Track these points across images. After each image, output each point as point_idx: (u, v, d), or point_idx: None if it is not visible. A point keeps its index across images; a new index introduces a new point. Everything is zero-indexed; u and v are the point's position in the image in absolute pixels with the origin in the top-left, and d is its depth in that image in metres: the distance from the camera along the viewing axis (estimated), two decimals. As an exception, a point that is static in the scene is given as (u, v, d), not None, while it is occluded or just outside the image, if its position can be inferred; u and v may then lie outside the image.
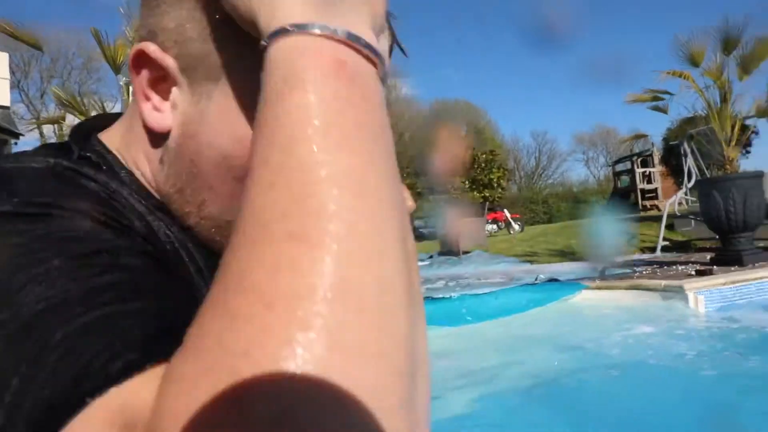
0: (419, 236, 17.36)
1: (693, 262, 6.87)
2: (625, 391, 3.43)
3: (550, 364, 4.11)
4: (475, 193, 16.25)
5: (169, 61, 0.40)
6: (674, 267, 6.62)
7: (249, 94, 0.37)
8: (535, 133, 43.24)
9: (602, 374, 3.72)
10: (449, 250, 11.02)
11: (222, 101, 0.40)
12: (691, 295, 5.04)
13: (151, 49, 0.40)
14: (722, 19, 5.91)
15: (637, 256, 9.02)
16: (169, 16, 0.40)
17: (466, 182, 16.68)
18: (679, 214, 9.42)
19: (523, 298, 5.67)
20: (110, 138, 0.46)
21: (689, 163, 9.02)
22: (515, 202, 25.63)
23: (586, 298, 5.63)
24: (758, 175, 6.03)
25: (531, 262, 9.24)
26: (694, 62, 6.23)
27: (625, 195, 21.78)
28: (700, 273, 5.65)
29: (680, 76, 6.26)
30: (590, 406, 3.20)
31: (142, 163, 0.45)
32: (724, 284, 5.22)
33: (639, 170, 21.34)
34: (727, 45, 5.98)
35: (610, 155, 39.29)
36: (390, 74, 0.36)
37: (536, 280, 6.23)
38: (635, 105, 7.10)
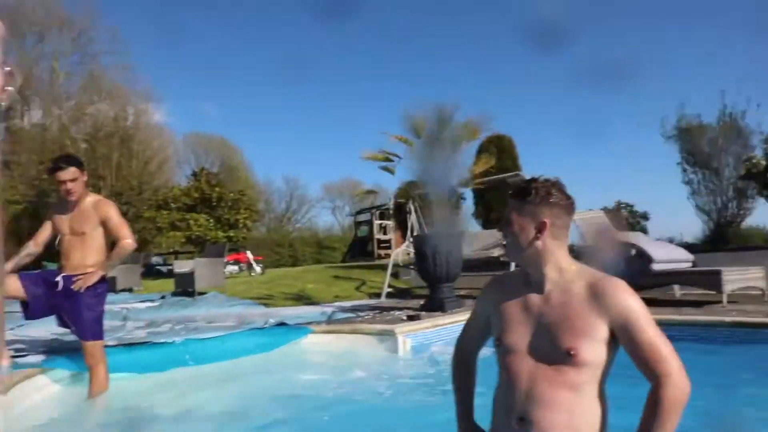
0: (157, 273, 16.07)
1: (408, 308, 7.70)
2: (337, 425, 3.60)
3: (266, 404, 4.11)
4: (219, 232, 15.80)
5: None
6: (393, 312, 7.33)
7: None
8: (288, 177, 44.43)
9: (313, 416, 3.85)
10: (184, 290, 10.43)
11: None
12: (400, 338, 5.60)
13: None
14: (437, 102, 7.01)
15: (365, 301, 9.76)
16: None
17: (211, 221, 16.15)
18: (402, 264, 10.50)
19: (250, 342, 5.61)
20: None
21: (412, 219, 10.24)
22: (262, 244, 25.69)
23: (312, 342, 5.82)
24: (459, 234, 7.13)
25: (267, 305, 9.26)
26: (417, 133, 7.20)
27: (363, 244, 23.45)
28: (410, 318, 6.34)
29: (405, 141, 7.14)
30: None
31: None
32: (428, 328, 5.95)
33: (377, 222, 23.32)
34: (441, 124, 7.08)
35: (354, 206, 42.49)
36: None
37: (265, 324, 6.24)
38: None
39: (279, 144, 59.19)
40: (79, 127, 23.99)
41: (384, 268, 11.24)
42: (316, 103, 57.52)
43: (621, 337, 1.43)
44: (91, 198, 4.09)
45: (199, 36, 50.82)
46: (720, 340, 4.97)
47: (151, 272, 16.58)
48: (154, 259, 17.06)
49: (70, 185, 3.88)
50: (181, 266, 10.64)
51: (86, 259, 3.98)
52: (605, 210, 12.11)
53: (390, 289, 10.35)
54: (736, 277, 6.35)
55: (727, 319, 5.08)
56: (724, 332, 4.99)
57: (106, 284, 4.15)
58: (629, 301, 1.43)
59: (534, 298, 1.56)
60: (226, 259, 13.47)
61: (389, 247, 22.69)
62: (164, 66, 49.34)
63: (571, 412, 1.41)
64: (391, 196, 20.72)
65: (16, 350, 4.78)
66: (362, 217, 25.51)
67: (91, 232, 3.99)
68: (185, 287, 10.38)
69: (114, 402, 4.02)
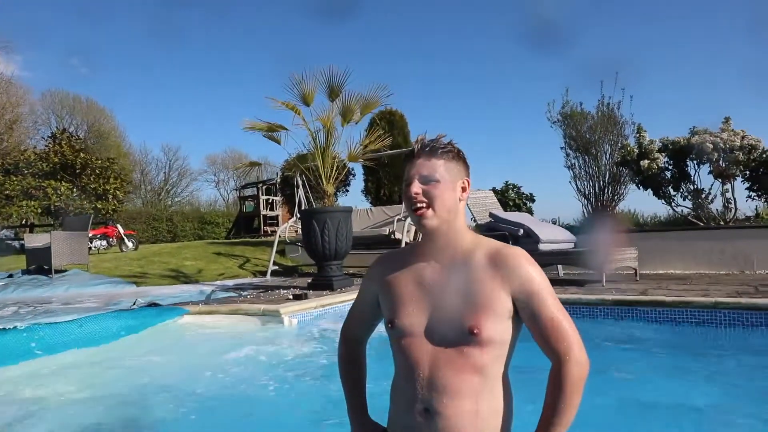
0: (6, 249, 14.20)
1: (295, 287, 7.34)
2: (212, 412, 3.23)
3: (133, 393, 3.62)
4: (84, 203, 14.22)
5: None
6: (278, 291, 6.93)
7: None
8: (167, 147, 41.49)
9: (190, 399, 3.44)
10: (39, 268, 9.22)
11: None
12: (286, 319, 5.25)
13: None
14: (327, 68, 6.60)
15: (248, 279, 9.24)
16: None
17: (74, 190, 14.51)
18: (289, 241, 10.07)
19: (114, 325, 4.98)
20: None
21: (300, 194, 9.81)
22: (137, 217, 23.80)
23: (187, 323, 5.31)
24: (348, 210, 6.85)
25: (138, 283, 8.44)
26: (306, 101, 6.76)
27: (249, 220, 22.59)
28: (296, 297, 6.00)
29: (292, 109, 6.68)
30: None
31: None
32: (315, 307, 5.65)
33: (263, 197, 22.49)
34: (331, 92, 6.69)
35: (240, 179, 40.80)
36: None
37: (134, 304, 5.59)
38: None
39: (158, 110, 54.90)
40: None
41: (270, 245, 10.74)
42: (198, 67, 54.11)
43: (522, 310, 1.29)
44: None
45: (65, -15, 45.45)
46: (600, 316, 5.21)
47: (0, 247, 14.63)
48: (4, 233, 15.07)
49: None
50: (34, 240, 9.38)
51: None
52: (494, 190, 12.50)
53: (276, 267, 9.90)
54: (615, 258, 6.71)
55: (609, 297, 5.31)
56: (605, 310, 5.22)
57: None
58: (532, 272, 1.29)
59: (428, 271, 1.37)
60: (91, 233, 12.18)
61: (277, 224, 22.03)
62: (22, 10, 43.65)
63: (477, 397, 1.26)
64: (278, 170, 20.04)
65: None
66: (248, 192, 24.55)
67: None
68: (40, 264, 9.17)
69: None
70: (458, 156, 1.39)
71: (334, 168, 7.10)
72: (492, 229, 7.53)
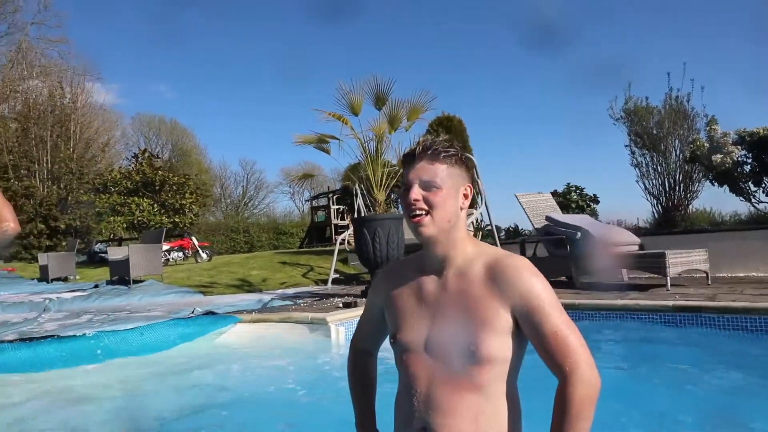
0: (100, 261, 15.35)
1: (351, 295, 7.43)
2: (253, 421, 3.32)
3: (180, 398, 3.79)
4: (163, 217, 15.13)
5: None
6: (332, 299, 7.04)
7: None
8: (244, 161, 43.36)
9: (239, 407, 3.57)
10: (120, 278, 9.90)
11: None
12: (333, 327, 5.31)
13: None
14: (372, 78, 6.67)
15: (309, 288, 9.45)
16: None
17: (154, 205, 15.47)
18: (349, 250, 10.23)
19: (172, 333, 5.25)
20: None
21: (359, 202, 9.94)
22: (216, 229, 25.01)
23: (239, 331, 5.50)
24: (399, 218, 6.86)
25: (205, 293, 8.85)
26: (354, 111, 6.86)
27: (321, 229, 23.10)
28: (345, 305, 6.07)
29: (339, 118, 6.80)
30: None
31: None
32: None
33: (333, 207, 22.94)
34: (378, 101, 6.75)
35: (313, 190, 41.84)
36: None
37: (192, 313, 5.87)
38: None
39: (236, 127, 57.74)
40: (9, 106, 22.53)
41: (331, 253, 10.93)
42: (272, 86, 56.25)
43: (524, 326, 1.21)
44: None
45: (157, 16, 48.98)
46: (659, 323, 4.87)
47: (93, 260, 15.84)
48: (98, 246, 16.29)
49: None
50: (116, 253, 10.08)
51: None
52: (555, 193, 12.09)
53: (337, 275, 10.07)
54: (681, 260, 6.28)
55: (670, 303, 4.96)
56: (665, 316, 4.89)
57: None
58: (532, 283, 1.21)
59: (430, 285, 1.32)
60: (168, 246, 12.93)
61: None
62: (116, 44, 47.35)
63: (477, 417, 1.20)
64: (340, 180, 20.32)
65: None
66: (320, 202, 25.09)
67: None
68: (121, 275, 9.85)
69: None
70: (461, 160, 1.32)
71: (385, 176, 7.14)
72: (549, 233, 7.28)
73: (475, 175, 9.36)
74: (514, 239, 10.28)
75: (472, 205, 8.93)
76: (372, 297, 1.49)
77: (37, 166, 20.25)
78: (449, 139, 1.37)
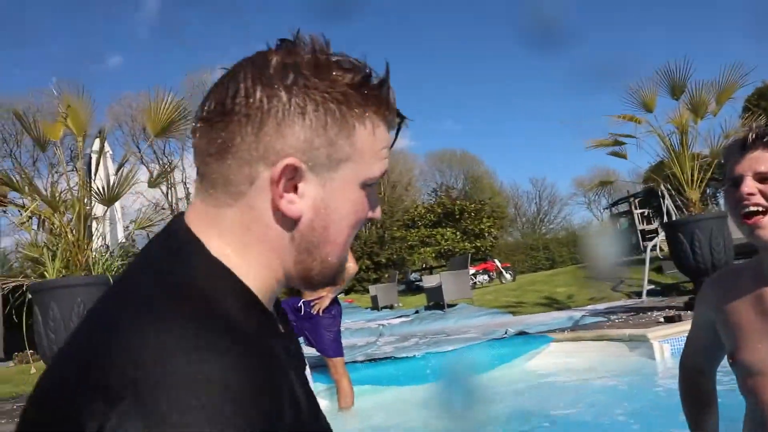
0: (416, 289, 17.14)
1: (671, 307, 6.67)
2: None
3: (504, 422, 3.95)
4: (466, 243, 16.10)
5: (302, 166, 0.55)
6: (650, 313, 6.43)
7: (356, 165, 0.57)
8: (534, 179, 43.27)
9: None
10: (435, 304, 10.84)
11: (341, 181, 0.57)
12: (656, 344, 4.84)
13: (292, 161, 0.54)
14: (665, 64, 5.97)
15: (621, 302, 8.81)
16: (297, 136, 0.54)
17: (457, 233, 16.58)
18: (662, 257, 9.24)
19: (488, 354, 5.49)
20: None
21: (668, 204, 8.95)
22: (515, 249, 25.41)
23: (553, 351, 5.44)
24: (721, 216, 5.93)
25: (514, 313, 9.03)
26: (648, 108, 6.26)
27: (625, 237, 21.47)
28: (668, 320, 5.47)
29: (631, 119, 6.28)
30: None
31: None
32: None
33: (636, 211, 21.11)
34: (674, 90, 6.02)
35: (611, 197, 39.17)
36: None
37: (505, 334, 6.05)
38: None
39: (521, 147, 58.32)
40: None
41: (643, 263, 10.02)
42: (550, 98, 55.23)
43: None
44: None
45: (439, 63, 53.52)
46: None
47: (410, 288, 17.75)
48: (413, 276, 18.21)
49: None
50: (430, 281, 11.10)
51: None
52: None
53: (652, 287, 9.16)
54: None
55: None
56: None
57: (339, 306, 4.50)
58: None
59: None
60: (473, 270, 13.66)
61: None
62: (405, 91, 53.15)
63: None
64: (652, 185, 18.59)
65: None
66: (620, 209, 23.39)
67: None
68: (436, 300, 10.78)
69: (360, 413, 4.30)
70: None
71: (697, 170, 6.29)
72: None
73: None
74: None
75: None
76: (700, 309, 1.34)
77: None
78: None
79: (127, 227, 6.37)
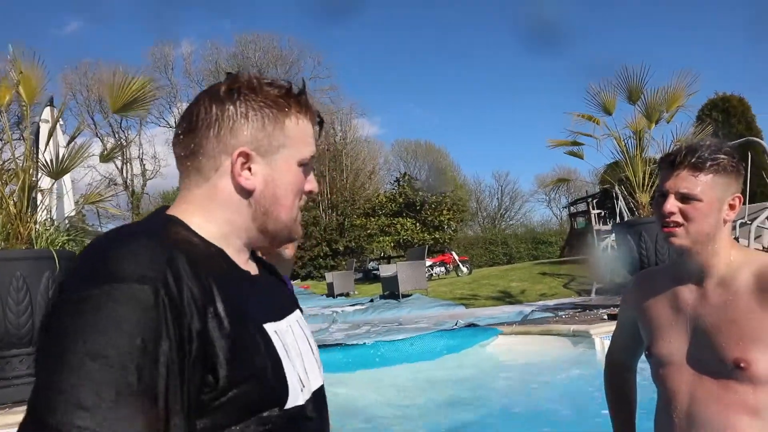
0: (373, 278, 17.21)
1: (617, 306, 6.89)
2: None
3: (447, 409, 4.02)
4: (425, 235, 16.23)
5: (253, 153, 0.75)
6: (597, 310, 6.62)
7: (290, 149, 0.78)
8: (497, 173, 43.81)
9: (503, 418, 3.66)
10: (391, 293, 10.91)
11: (281, 161, 0.77)
12: (597, 340, 5.00)
13: (245, 149, 0.75)
14: (621, 68, 6.12)
15: (571, 299, 9.06)
16: (245, 133, 0.75)
17: (416, 224, 16.69)
18: (612, 257, 9.50)
19: (437, 344, 5.58)
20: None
21: (620, 205, 9.19)
22: (474, 243, 25.74)
23: (500, 343, 5.56)
24: (667, 219, 6.13)
25: (467, 305, 9.18)
26: (607, 111, 6.41)
27: (582, 236, 21.98)
28: (611, 317, 5.65)
29: (590, 119, 6.43)
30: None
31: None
32: (632, 329, 5.22)
33: (594, 212, 21.61)
34: (631, 95, 6.18)
35: (571, 196, 39.99)
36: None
37: (455, 325, 6.15)
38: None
39: (486, 141, 58.81)
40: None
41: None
42: (517, 96, 55.95)
43: None
44: None
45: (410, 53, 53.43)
46: None
47: (368, 277, 17.82)
48: (371, 264, 18.28)
49: None
50: (386, 270, 11.16)
51: None
52: None
53: (600, 285, 9.43)
54: None
55: None
56: None
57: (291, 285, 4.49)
58: None
59: (687, 295, 1.22)
60: (431, 261, 13.79)
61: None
62: (378, 80, 52.88)
63: None
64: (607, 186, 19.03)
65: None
66: (578, 208, 23.92)
67: None
68: (392, 290, 10.85)
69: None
70: (730, 167, 1.16)
71: (648, 175, 6.49)
72: None
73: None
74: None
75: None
76: (623, 308, 1.43)
77: (319, 197, 23.93)
78: (718, 142, 1.19)
79: (77, 202, 6.15)
